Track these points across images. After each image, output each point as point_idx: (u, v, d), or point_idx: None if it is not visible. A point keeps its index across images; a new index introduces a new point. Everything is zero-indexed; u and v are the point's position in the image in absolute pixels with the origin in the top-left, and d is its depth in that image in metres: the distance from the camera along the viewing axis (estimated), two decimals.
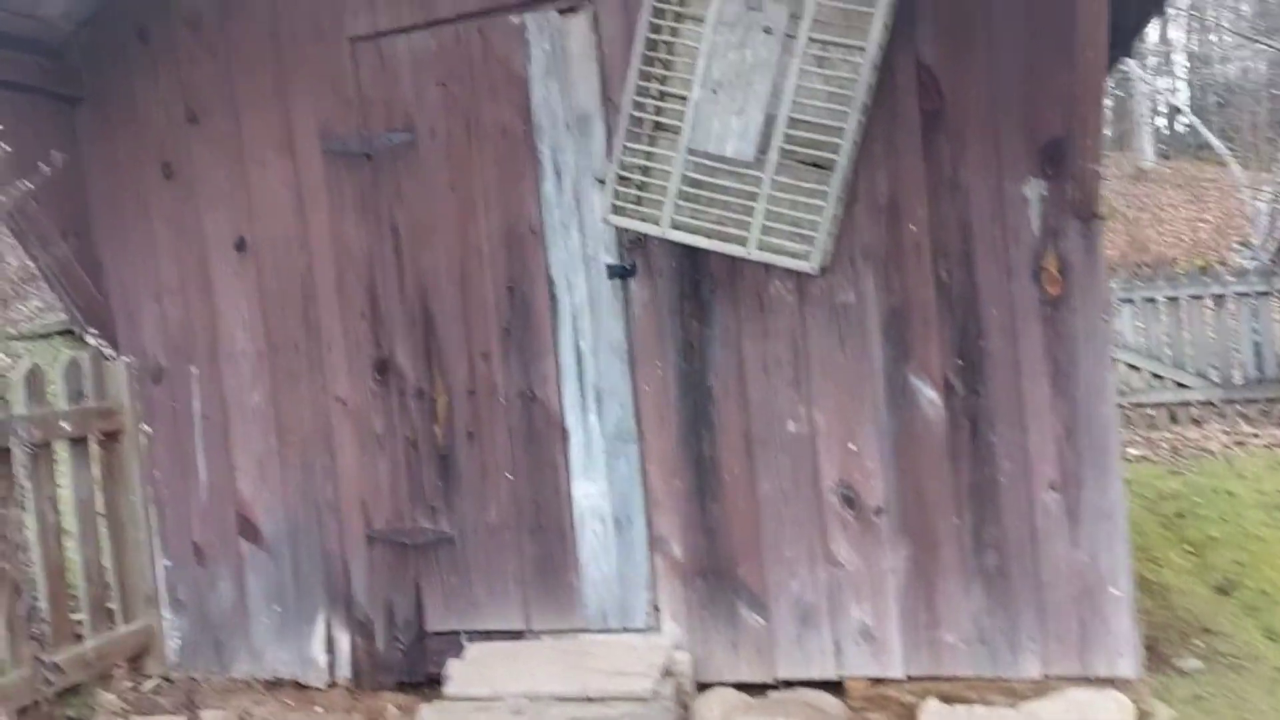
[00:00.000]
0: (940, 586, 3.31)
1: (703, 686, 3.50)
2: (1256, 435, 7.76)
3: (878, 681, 3.40)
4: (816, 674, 3.44)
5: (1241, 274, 8.79)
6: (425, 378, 3.78)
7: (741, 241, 3.11)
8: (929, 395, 3.28)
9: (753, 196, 3.09)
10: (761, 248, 3.09)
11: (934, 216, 3.24)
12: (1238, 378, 8.52)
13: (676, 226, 3.18)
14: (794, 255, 3.09)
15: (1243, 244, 9.73)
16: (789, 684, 3.48)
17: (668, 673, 3.40)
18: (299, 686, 3.98)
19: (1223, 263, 10.24)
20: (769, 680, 3.49)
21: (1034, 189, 3.15)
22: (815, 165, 3.09)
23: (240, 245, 3.94)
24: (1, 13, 3.62)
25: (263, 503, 3.98)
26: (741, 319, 3.44)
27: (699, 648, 3.53)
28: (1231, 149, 10.74)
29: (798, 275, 3.34)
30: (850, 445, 3.37)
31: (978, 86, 3.16)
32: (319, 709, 3.87)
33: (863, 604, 3.38)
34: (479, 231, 3.68)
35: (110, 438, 4.02)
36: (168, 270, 4.03)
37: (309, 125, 3.82)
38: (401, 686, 3.88)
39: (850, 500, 3.38)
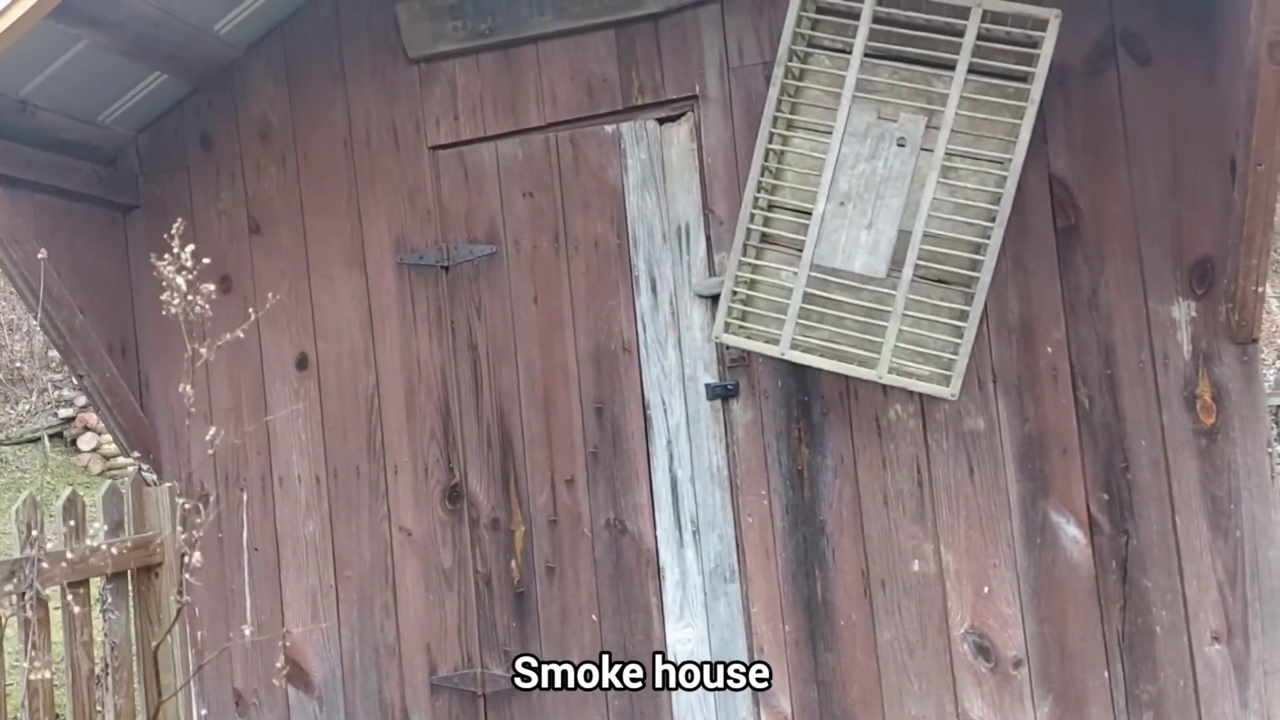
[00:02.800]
0: None
1: None
2: None
3: None
4: None
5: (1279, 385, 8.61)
6: (501, 506, 3.47)
7: (871, 364, 2.86)
8: (1071, 533, 2.99)
9: (884, 316, 2.85)
10: (893, 371, 2.84)
11: (1072, 338, 3.00)
12: None
13: (796, 346, 2.93)
14: (930, 380, 2.84)
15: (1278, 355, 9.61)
16: None
17: None
18: None
19: None
20: None
21: (1183, 310, 2.93)
22: (950, 283, 2.86)
23: (301, 363, 3.66)
24: (62, 119, 3.42)
25: (314, 645, 3.61)
26: (857, 445, 3.16)
27: None
28: None
29: (920, 399, 3.08)
30: (984, 588, 3.06)
31: (1117, 201, 2.97)
32: None
33: None
34: (565, 348, 3.43)
35: (148, 571, 3.65)
36: (220, 389, 3.74)
37: (382, 236, 3.59)
38: None
39: (984, 650, 3.05)
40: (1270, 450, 2.87)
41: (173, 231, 2.57)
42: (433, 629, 3.51)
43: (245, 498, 3.68)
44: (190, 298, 2.47)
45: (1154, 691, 2.92)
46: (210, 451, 3.61)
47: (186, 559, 3.53)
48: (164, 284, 2.52)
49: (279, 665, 3.35)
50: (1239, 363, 2.88)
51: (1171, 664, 2.91)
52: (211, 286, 2.61)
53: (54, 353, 10.92)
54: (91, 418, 10.55)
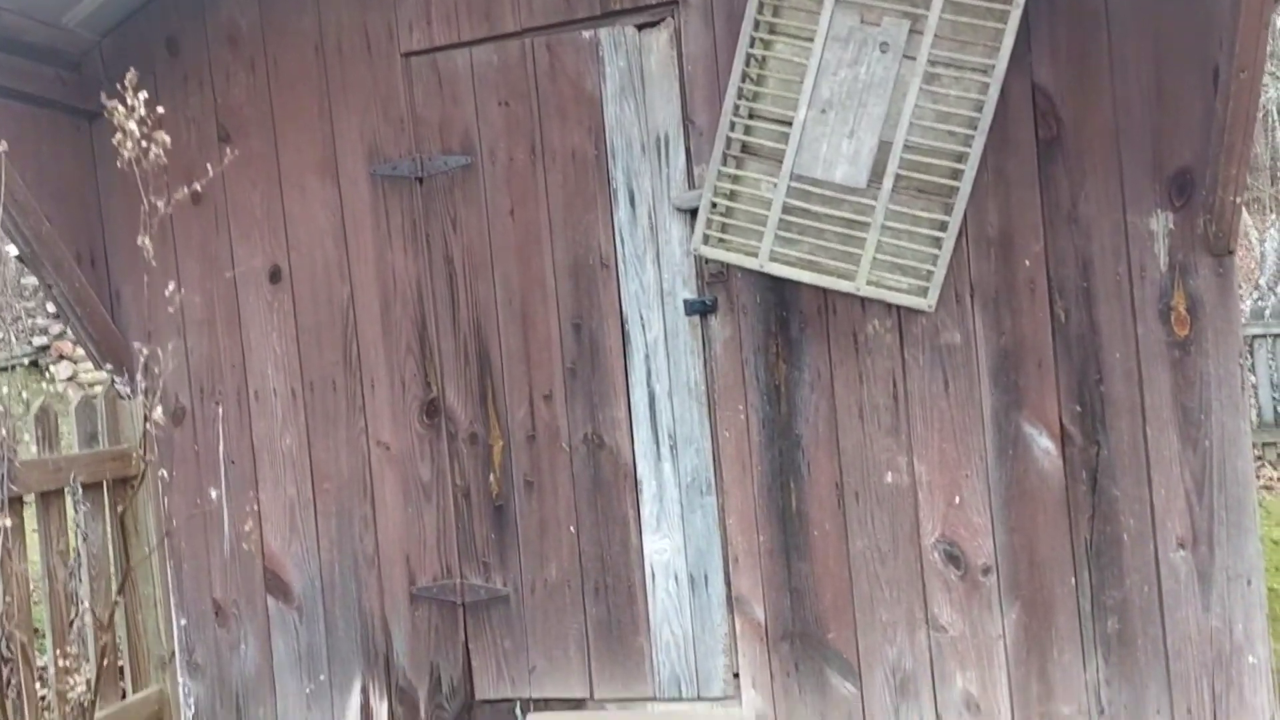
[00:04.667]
0: (1054, 654, 3.03)
1: None
2: None
3: None
4: None
5: (1258, 315, 8.70)
6: (479, 420, 3.47)
7: (849, 276, 2.85)
8: (1043, 445, 3.02)
9: (863, 227, 2.83)
10: (872, 283, 2.83)
11: (1050, 251, 3.00)
12: (1255, 420, 8.38)
13: (775, 259, 2.91)
14: (908, 292, 2.83)
15: (1255, 286, 9.70)
16: None
17: None
18: None
19: None
20: None
21: (1161, 222, 2.92)
22: (930, 194, 2.84)
23: (275, 275, 3.62)
24: (22, 19, 3.30)
25: (293, 556, 3.63)
26: (834, 360, 3.17)
27: (782, 718, 3.22)
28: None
29: (898, 313, 3.08)
30: (955, 498, 3.09)
31: (1099, 112, 2.94)
32: None
33: (967, 672, 3.10)
34: (542, 263, 3.40)
35: (124, 484, 3.65)
36: (193, 302, 3.69)
37: (355, 146, 3.52)
38: None
39: (954, 558, 3.10)
40: (1241, 362, 2.90)
41: (126, 81, 2.50)
42: (412, 541, 3.53)
43: (221, 411, 3.67)
44: (144, 144, 2.40)
45: (1119, 597, 2.98)
46: (167, 370, 3.57)
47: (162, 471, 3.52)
48: (116, 125, 2.45)
49: (247, 528, 3.36)
50: (1215, 275, 2.89)
51: (1137, 570, 2.97)
52: (167, 138, 2.53)
53: (27, 279, 10.74)
54: (67, 346, 10.43)
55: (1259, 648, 2.90)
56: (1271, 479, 7.64)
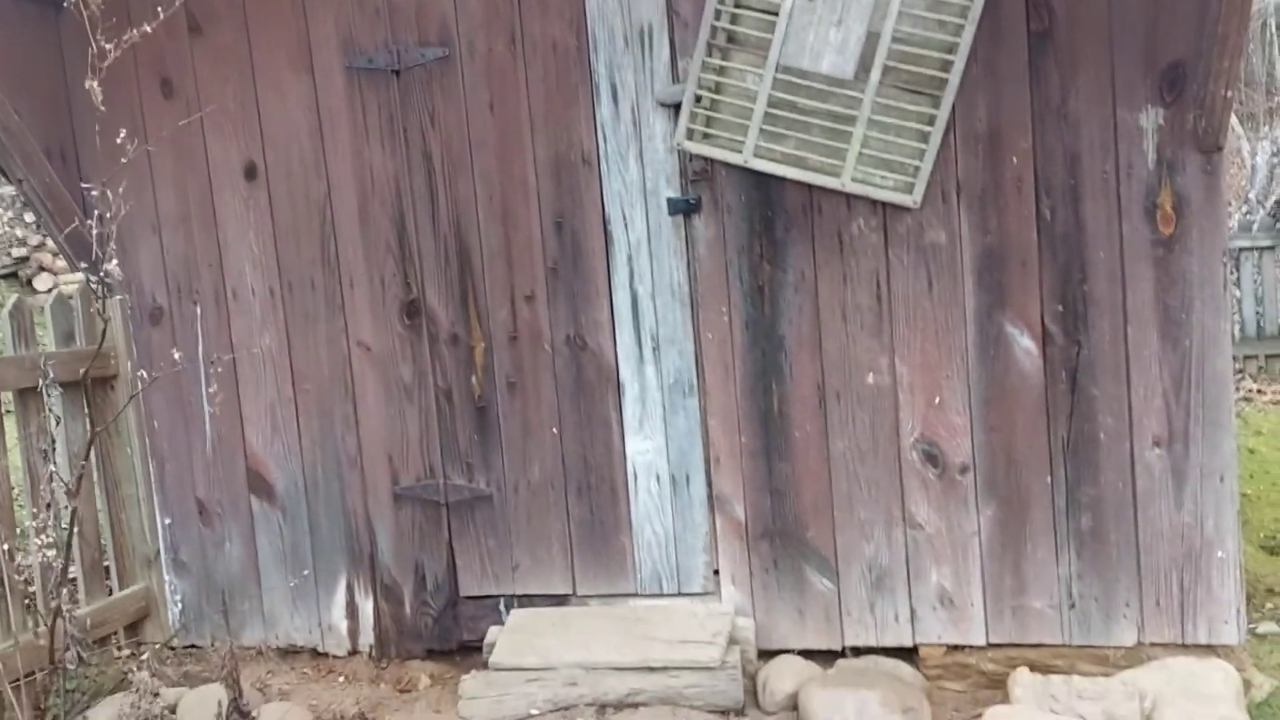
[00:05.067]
0: (1029, 549, 3.08)
1: (764, 654, 3.25)
2: (1261, 391, 7.68)
3: (955, 649, 3.18)
4: (890, 641, 3.22)
5: (1246, 228, 8.69)
6: (460, 322, 3.44)
7: (834, 172, 2.81)
8: (1025, 345, 3.03)
9: (849, 121, 2.78)
10: (857, 179, 2.79)
11: (1039, 148, 2.95)
12: (1239, 334, 8.42)
13: (760, 155, 2.86)
14: (893, 189, 2.79)
15: (1244, 200, 9.65)
16: (857, 651, 3.25)
17: (732, 640, 3.15)
18: (316, 654, 3.68)
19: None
20: (836, 648, 3.26)
21: (1151, 118, 2.88)
22: (919, 87, 2.78)
23: (250, 172, 3.54)
24: None
25: (275, 456, 3.63)
26: (819, 261, 3.14)
27: (761, 614, 3.28)
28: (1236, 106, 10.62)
29: (884, 212, 3.04)
30: (935, 398, 3.11)
31: (1093, 3, 2.87)
32: (340, 678, 3.58)
33: (943, 567, 3.15)
34: (523, 159, 3.33)
35: (103, 384, 3.63)
36: (167, 199, 3.62)
37: (329, 38, 3.42)
38: (431, 655, 3.59)
39: (933, 458, 3.13)
40: (1225, 261, 2.88)
41: None
42: (394, 441, 3.54)
43: (199, 310, 3.63)
44: None
45: (1094, 494, 3.02)
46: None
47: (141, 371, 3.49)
48: None
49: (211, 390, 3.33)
50: (1202, 172, 2.86)
51: (1113, 468, 3.00)
52: None
53: (4, 189, 10.52)
54: (46, 257, 10.27)
55: (1228, 542, 2.95)
56: (1251, 391, 7.72)
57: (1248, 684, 2.96)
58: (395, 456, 3.54)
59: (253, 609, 3.69)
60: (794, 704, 3.04)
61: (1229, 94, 2.66)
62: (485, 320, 3.42)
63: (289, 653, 3.68)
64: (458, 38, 3.32)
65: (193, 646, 3.74)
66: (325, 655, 3.66)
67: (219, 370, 3.55)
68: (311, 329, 3.56)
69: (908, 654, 3.22)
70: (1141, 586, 3.02)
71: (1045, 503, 3.06)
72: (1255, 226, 8.68)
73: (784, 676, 3.12)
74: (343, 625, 3.63)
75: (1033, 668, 3.05)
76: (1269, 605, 3.75)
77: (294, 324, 3.57)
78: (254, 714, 3.00)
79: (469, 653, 3.50)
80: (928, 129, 2.76)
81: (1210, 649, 2.98)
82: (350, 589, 3.62)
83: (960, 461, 3.11)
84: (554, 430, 3.41)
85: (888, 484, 3.17)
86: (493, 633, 3.33)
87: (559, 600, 3.45)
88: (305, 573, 3.62)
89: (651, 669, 3.06)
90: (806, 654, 3.24)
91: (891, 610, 3.20)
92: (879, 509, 3.18)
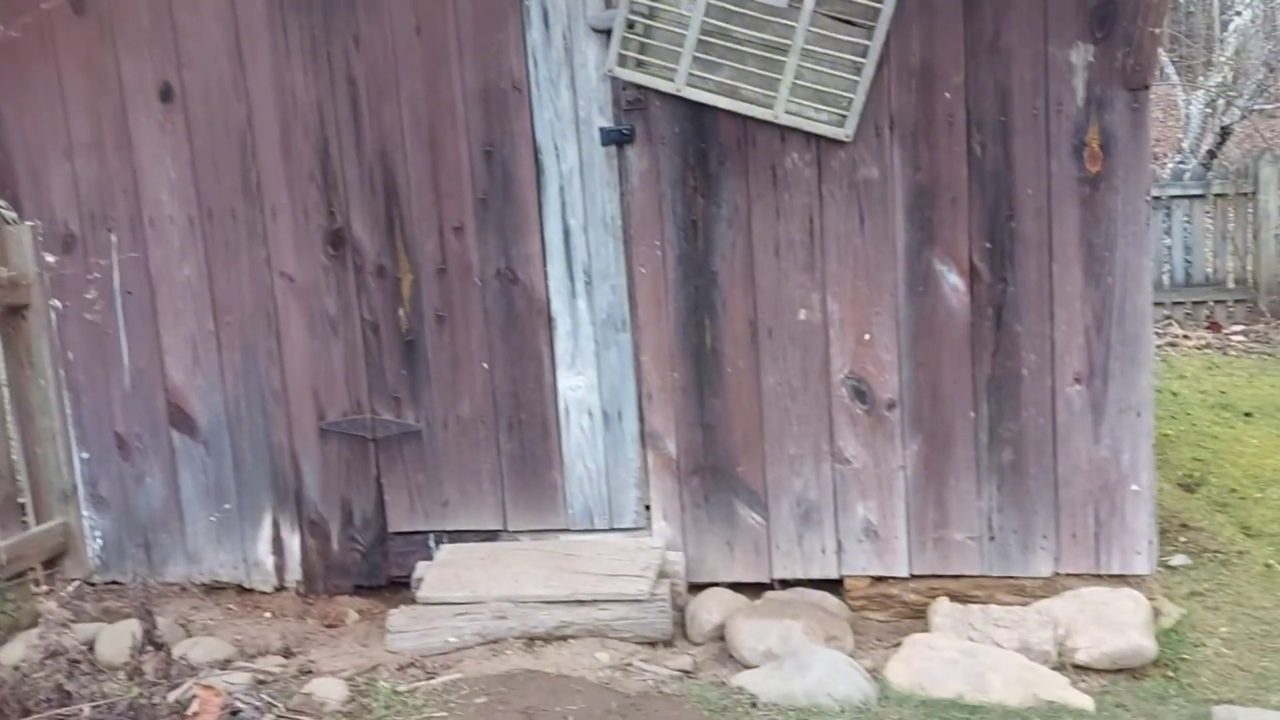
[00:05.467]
0: (952, 483, 3.14)
1: (694, 588, 3.29)
2: (1187, 337, 7.88)
3: (879, 580, 3.25)
4: (816, 573, 3.27)
5: (1178, 176, 8.84)
6: (387, 253, 3.36)
7: (767, 104, 2.77)
8: (953, 281, 3.05)
9: (782, 51, 2.74)
10: (790, 111, 2.76)
11: (971, 84, 2.95)
12: (1167, 281, 8.61)
13: (693, 84, 2.81)
14: (827, 122, 2.77)
15: (1178, 149, 9.83)
16: (785, 584, 3.30)
17: (661, 574, 3.17)
18: (242, 590, 3.63)
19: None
20: (765, 580, 3.30)
21: (1081, 54, 2.88)
22: (853, 19, 2.74)
23: (166, 94, 3.39)
24: None
25: (197, 390, 3.54)
26: (752, 195, 3.12)
27: (692, 548, 3.31)
28: (1171, 54, 10.76)
29: (818, 147, 3.02)
30: (865, 335, 3.12)
31: None
32: (267, 614, 3.54)
33: (869, 501, 3.20)
34: (452, 86, 3.23)
35: (14, 313, 3.49)
36: (79, 122, 3.45)
37: None
38: (360, 590, 3.56)
39: (862, 394, 3.15)
40: (1148, 200, 2.92)
41: None
42: (320, 375, 3.46)
43: (114, 239, 3.49)
44: None
45: (1015, 429, 3.08)
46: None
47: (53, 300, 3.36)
48: None
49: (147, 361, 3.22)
50: (1129, 110, 2.87)
51: (1034, 404, 3.05)
52: None
53: None
54: None
55: (1143, 476, 3.03)
56: (1177, 337, 7.92)
57: (1157, 612, 3.06)
58: (321, 391, 3.47)
59: (176, 545, 3.62)
60: (721, 635, 3.08)
61: (1157, 31, 2.67)
62: (413, 251, 3.34)
63: (214, 589, 3.63)
64: None
65: (114, 583, 3.66)
66: (251, 591, 3.62)
67: (137, 300, 3.43)
68: (233, 259, 3.45)
69: (834, 586, 3.28)
70: (1059, 519, 3.09)
71: (969, 438, 3.11)
72: (1187, 175, 8.83)
73: (712, 608, 3.15)
74: (269, 561, 3.58)
75: (953, 598, 3.13)
76: (1183, 539, 3.87)
77: (214, 254, 3.45)
78: (170, 646, 2.96)
79: (398, 588, 3.48)
80: (861, 60, 2.73)
81: (1123, 579, 3.08)
82: (276, 525, 3.56)
83: (888, 398, 3.14)
84: (484, 365, 3.37)
85: (817, 420, 3.19)
86: (421, 568, 3.31)
87: (490, 536, 3.44)
88: (227, 507, 3.55)
89: (580, 602, 3.07)
90: (736, 587, 3.28)
91: (819, 543, 3.25)
92: (808, 444, 3.21)
